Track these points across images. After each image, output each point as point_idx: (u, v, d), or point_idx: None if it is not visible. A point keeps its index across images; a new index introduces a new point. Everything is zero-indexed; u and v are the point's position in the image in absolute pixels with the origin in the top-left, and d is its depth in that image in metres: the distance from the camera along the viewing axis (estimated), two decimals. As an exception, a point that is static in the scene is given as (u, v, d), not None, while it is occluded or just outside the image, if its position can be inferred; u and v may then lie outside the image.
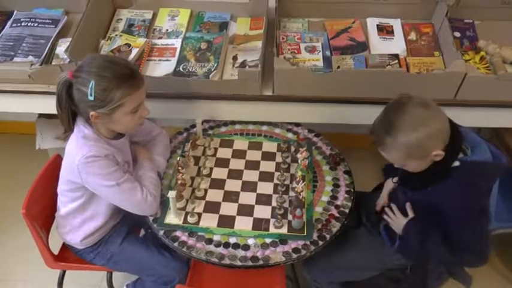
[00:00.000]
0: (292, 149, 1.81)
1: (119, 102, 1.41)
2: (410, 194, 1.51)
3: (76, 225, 1.64)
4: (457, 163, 1.36)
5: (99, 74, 1.39)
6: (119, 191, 1.49)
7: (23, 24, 2.01)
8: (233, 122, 1.93)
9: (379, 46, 1.93)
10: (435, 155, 1.33)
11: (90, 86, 1.37)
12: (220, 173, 1.72)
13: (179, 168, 1.62)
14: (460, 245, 1.41)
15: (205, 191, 1.65)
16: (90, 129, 1.49)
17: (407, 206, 1.51)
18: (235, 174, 1.71)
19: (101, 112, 1.42)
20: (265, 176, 1.71)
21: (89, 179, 1.47)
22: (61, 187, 1.61)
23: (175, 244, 1.51)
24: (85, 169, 1.45)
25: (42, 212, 1.71)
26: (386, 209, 1.58)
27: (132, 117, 1.47)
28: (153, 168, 1.63)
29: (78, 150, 1.46)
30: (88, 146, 1.45)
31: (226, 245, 1.50)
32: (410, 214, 1.50)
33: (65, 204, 1.63)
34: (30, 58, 1.87)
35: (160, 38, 2.00)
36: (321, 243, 1.50)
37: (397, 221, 1.53)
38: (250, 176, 1.71)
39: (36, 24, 2.00)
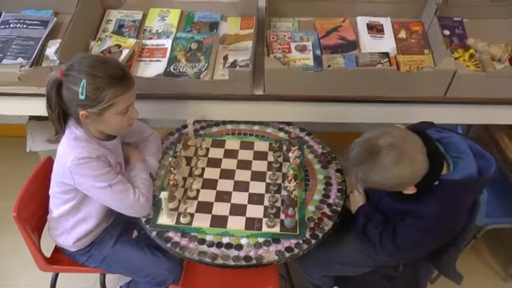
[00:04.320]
0: (284, 148, 1.81)
1: (109, 102, 1.40)
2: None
3: (68, 228, 1.63)
4: (436, 182, 1.34)
5: (91, 73, 1.38)
6: (111, 192, 1.49)
7: (11, 25, 1.99)
8: (224, 122, 1.93)
9: (370, 45, 1.94)
10: (406, 190, 1.36)
11: (81, 84, 1.36)
12: (212, 173, 1.72)
13: (171, 168, 1.61)
14: (394, 239, 1.47)
15: (198, 191, 1.65)
16: (82, 130, 1.48)
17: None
18: (227, 174, 1.71)
19: (91, 112, 1.41)
20: (257, 176, 1.71)
21: (81, 181, 1.47)
22: (53, 189, 1.60)
23: (168, 245, 1.50)
24: (77, 171, 1.44)
25: (34, 215, 1.70)
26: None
27: (121, 118, 1.47)
28: (145, 169, 1.63)
29: (70, 151, 1.45)
30: (80, 148, 1.45)
31: (219, 245, 1.50)
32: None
33: (57, 206, 1.62)
34: (20, 60, 1.85)
35: (150, 38, 2.00)
36: (313, 241, 1.50)
37: (355, 202, 1.65)
38: (242, 175, 1.71)
39: (25, 26, 1.98)
